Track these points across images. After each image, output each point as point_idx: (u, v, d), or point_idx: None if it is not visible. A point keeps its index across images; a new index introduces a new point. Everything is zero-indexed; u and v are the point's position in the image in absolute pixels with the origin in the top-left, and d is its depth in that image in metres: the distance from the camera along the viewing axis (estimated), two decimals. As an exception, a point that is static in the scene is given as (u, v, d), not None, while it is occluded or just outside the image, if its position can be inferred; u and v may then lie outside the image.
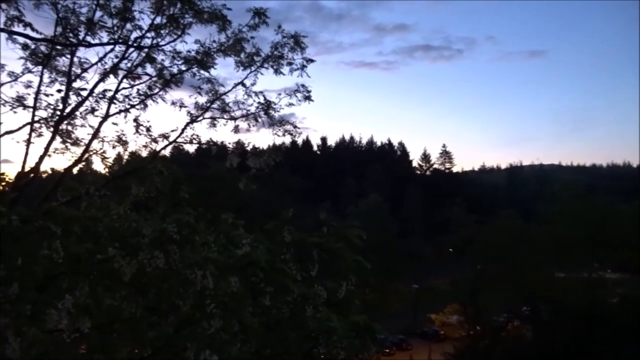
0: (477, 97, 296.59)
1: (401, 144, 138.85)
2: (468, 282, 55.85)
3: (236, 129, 11.66)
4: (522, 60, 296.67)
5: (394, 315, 58.14)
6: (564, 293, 45.81)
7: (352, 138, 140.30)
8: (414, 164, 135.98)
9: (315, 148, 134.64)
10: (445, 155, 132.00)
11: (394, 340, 57.55)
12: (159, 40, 10.68)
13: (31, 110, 10.31)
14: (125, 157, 11.91)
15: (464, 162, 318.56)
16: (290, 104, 11.33)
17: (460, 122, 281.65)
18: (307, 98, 11.35)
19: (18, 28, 9.04)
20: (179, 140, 11.35)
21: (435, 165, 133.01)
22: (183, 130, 11.22)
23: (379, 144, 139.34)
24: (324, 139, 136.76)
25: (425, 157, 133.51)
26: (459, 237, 66.51)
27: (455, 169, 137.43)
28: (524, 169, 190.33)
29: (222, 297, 6.02)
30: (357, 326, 7.51)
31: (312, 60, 11.29)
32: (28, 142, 10.03)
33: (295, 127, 11.52)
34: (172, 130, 11.27)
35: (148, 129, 11.14)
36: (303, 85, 11.27)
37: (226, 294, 6.06)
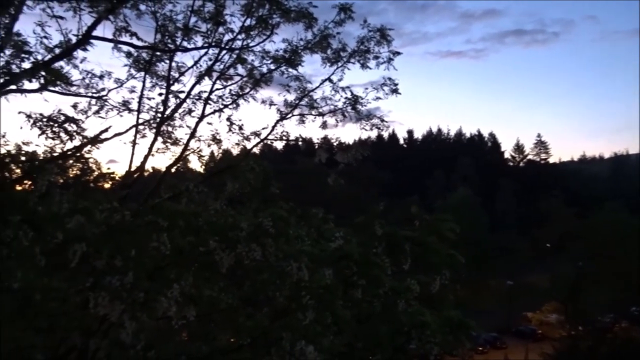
0: (575, 82, 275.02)
1: (492, 135, 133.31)
2: (568, 279, 52.62)
3: (324, 125, 11.85)
4: (627, 39, 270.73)
5: (486, 312, 56.02)
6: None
7: (439, 130, 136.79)
8: (506, 155, 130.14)
9: (401, 141, 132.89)
10: (541, 145, 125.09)
11: (488, 339, 55.58)
12: (249, 41, 11.09)
13: (135, 113, 11.14)
14: (218, 155, 12.50)
15: (562, 152, 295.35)
16: (377, 98, 11.33)
17: (557, 109, 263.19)
18: (394, 91, 11.29)
19: (124, 38, 9.74)
20: (270, 137, 11.75)
21: (530, 156, 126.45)
22: (273, 127, 11.60)
23: (468, 135, 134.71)
24: (410, 132, 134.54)
25: (519, 148, 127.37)
26: (557, 232, 62.89)
27: (551, 160, 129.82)
28: (630, 158, 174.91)
29: (317, 289, 6.16)
30: (450, 322, 7.36)
31: (398, 53, 11.19)
32: (134, 143, 10.84)
33: (382, 120, 11.51)
34: (263, 128, 11.69)
35: (240, 127, 11.63)
36: (390, 79, 11.23)
37: (320, 286, 6.19)
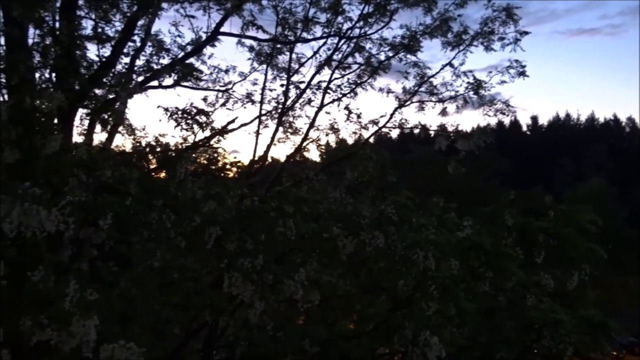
0: None
1: (630, 119, 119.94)
2: None
3: (444, 112, 11.54)
4: None
5: (622, 314, 51.02)
6: None
7: (567, 115, 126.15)
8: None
9: (524, 128, 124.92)
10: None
11: (624, 343, 50.53)
12: (367, 29, 11.08)
13: (258, 104, 11.65)
14: (334, 144, 12.68)
15: None
16: (502, 82, 10.83)
17: None
18: (522, 74, 10.73)
19: (250, 32, 10.19)
20: (387, 125, 11.68)
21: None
22: (392, 115, 11.52)
23: (601, 120, 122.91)
24: (534, 118, 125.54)
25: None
26: None
27: None
28: None
29: (442, 279, 6.00)
30: (588, 321, 6.78)
31: (526, 33, 10.62)
32: (257, 133, 11.37)
33: (508, 105, 10.99)
34: (381, 116, 11.65)
35: (358, 116, 11.69)
36: (517, 61, 10.68)
37: (445, 277, 6.03)
